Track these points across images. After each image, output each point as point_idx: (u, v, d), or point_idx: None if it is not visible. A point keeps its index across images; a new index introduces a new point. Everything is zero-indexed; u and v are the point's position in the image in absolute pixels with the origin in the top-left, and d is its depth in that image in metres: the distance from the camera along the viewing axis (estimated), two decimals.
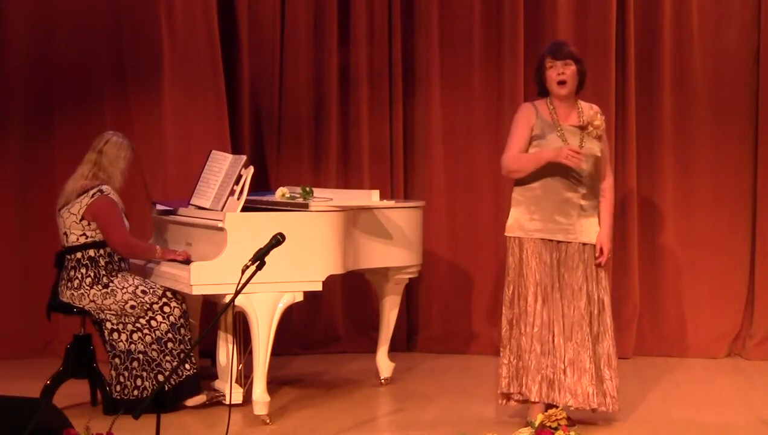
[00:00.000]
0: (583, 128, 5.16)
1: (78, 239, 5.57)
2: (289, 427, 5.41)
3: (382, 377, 6.33)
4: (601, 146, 5.21)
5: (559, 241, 5.13)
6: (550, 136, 5.14)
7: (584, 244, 5.15)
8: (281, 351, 6.62)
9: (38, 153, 7.19)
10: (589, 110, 5.20)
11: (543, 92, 5.24)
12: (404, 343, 7.33)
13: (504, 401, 5.26)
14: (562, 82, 5.14)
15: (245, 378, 5.76)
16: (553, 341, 5.08)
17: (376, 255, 5.87)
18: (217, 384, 5.79)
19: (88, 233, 5.57)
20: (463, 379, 6.48)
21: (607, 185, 5.29)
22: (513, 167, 5.16)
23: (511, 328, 5.18)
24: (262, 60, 7.29)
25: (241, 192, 5.49)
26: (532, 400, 5.12)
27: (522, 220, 5.18)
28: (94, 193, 5.57)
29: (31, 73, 7.22)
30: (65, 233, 5.61)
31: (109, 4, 7.10)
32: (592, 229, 5.17)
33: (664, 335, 7.20)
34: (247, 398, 5.56)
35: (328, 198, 5.76)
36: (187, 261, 5.52)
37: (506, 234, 5.22)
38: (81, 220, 5.56)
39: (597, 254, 5.17)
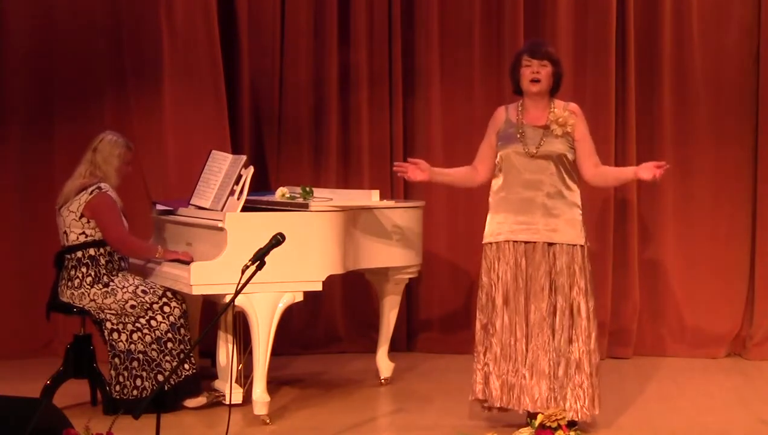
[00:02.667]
0: (547, 127, 5.08)
1: (78, 238, 5.57)
2: (289, 427, 5.41)
3: (382, 377, 6.33)
4: (572, 144, 5.09)
5: (526, 242, 5.08)
6: (511, 137, 5.12)
7: (550, 244, 5.06)
8: (281, 351, 6.61)
9: (38, 153, 7.18)
10: (562, 110, 5.11)
11: (517, 90, 5.20)
12: (404, 343, 7.32)
13: (483, 408, 5.21)
14: (535, 81, 5.08)
15: (245, 378, 5.76)
16: (516, 345, 5.04)
17: (376, 255, 5.87)
18: (217, 384, 5.79)
19: (88, 232, 5.58)
20: (463, 379, 6.43)
21: (600, 168, 5.18)
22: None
23: (485, 332, 5.15)
24: (262, 60, 7.28)
25: (241, 192, 5.49)
26: (496, 405, 5.10)
27: (491, 224, 5.19)
28: (93, 190, 5.58)
29: (31, 73, 7.22)
30: (65, 232, 5.61)
31: (109, 4, 7.10)
32: (561, 229, 5.06)
33: (664, 335, 7.19)
34: (247, 398, 5.56)
35: (328, 198, 5.76)
36: (189, 261, 5.52)
37: (483, 241, 5.23)
38: (80, 218, 5.56)
39: (651, 168, 4.98)
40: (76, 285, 5.55)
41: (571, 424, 4.88)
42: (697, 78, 7.11)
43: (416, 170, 5.21)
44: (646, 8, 7.14)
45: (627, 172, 5.33)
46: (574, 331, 5.02)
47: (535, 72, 5.07)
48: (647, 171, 5.03)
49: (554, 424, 4.67)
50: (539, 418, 4.73)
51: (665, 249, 7.21)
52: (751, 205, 7.13)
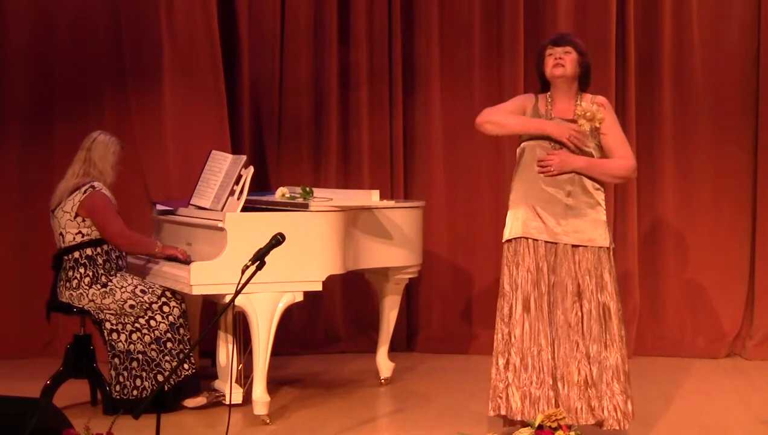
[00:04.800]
0: (574, 122, 4.86)
1: (74, 238, 5.57)
2: (289, 427, 5.41)
3: (382, 377, 6.33)
4: (599, 141, 4.86)
5: (547, 242, 4.83)
6: None
7: (575, 247, 4.82)
8: (281, 351, 6.62)
9: (38, 153, 7.19)
10: (590, 103, 4.90)
11: (544, 84, 4.99)
12: (404, 343, 7.33)
13: (504, 423, 4.99)
14: (557, 65, 4.87)
15: (245, 378, 5.76)
16: (540, 355, 4.79)
17: (376, 255, 5.87)
18: (217, 384, 5.79)
19: (84, 231, 5.57)
20: (463, 379, 6.48)
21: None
22: (490, 117, 4.88)
23: (510, 342, 4.87)
24: (262, 60, 7.29)
25: (241, 192, 5.49)
26: (517, 418, 4.82)
27: (512, 223, 4.92)
28: (86, 190, 5.57)
29: (31, 73, 7.23)
30: (61, 234, 5.61)
31: (109, 4, 7.10)
32: (586, 230, 4.83)
33: (664, 335, 7.20)
34: (247, 398, 5.56)
35: (328, 198, 5.76)
36: (187, 261, 5.52)
37: (503, 241, 4.95)
38: (75, 218, 5.56)
39: (547, 156, 4.78)
40: (74, 286, 5.54)
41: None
42: (697, 78, 7.11)
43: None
44: (646, 8, 7.14)
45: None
46: (608, 336, 4.80)
47: (558, 58, 4.88)
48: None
49: (554, 424, 4.66)
50: (539, 418, 4.71)
51: (665, 249, 7.22)
52: (751, 205, 7.13)
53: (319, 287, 5.48)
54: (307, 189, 5.91)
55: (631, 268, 7.13)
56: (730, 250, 7.14)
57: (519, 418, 4.83)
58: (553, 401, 4.78)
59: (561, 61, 4.89)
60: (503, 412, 4.88)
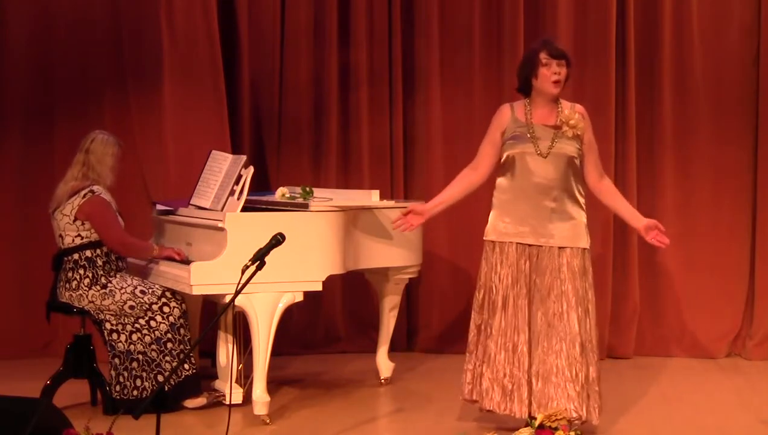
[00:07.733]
0: (557, 128, 4.95)
1: (73, 241, 5.57)
2: (289, 427, 5.41)
3: (382, 377, 6.33)
4: (580, 147, 4.98)
5: (530, 245, 4.97)
6: (520, 136, 4.98)
7: (560, 248, 4.95)
8: (281, 351, 6.62)
9: (38, 153, 7.19)
10: (570, 110, 4.98)
11: (525, 89, 5.04)
12: (404, 343, 7.33)
13: (479, 409, 5.12)
14: (557, 82, 4.94)
15: (245, 378, 5.76)
16: (513, 349, 4.93)
17: (376, 255, 5.87)
18: (217, 384, 5.79)
19: (83, 234, 5.57)
20: None
21: (608, 182, 5.14)
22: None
23: (479, 333, 5.05)
24: (262, 60, 7.29)
25: (241, 192, 5.49)
26: (490, 409, 4.99)
27: (496, 223, 5.06)
28: (86, 194, 5.56)
29: (31, 73, 7.22)
30: (60, 236, 5.61)
31: (109, 4, 7.10)
32: (571, 233, 4.95)
33: (664, 335, 7.20)
34: (247, 398, 5.56)
35: (328, 198, 5.76)
36: (185, 260, 5.52)
37: (484, 238, 5.11)
38: (74, 221, 5.55)
39: (655, 230, 5.02)
40: (73, 287, 5.54)
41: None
42: (697, 78, 7.11)
43: (413, 217, 5.14)
44: (646, 8, 7.14)
45: (633, 221, 5.17)
46: (589, 335, 4.92)
47: (556, 72, 4.92)
48: (651, 236, 5.06)
49: (554, 425, 4.67)
50: (539, 418, 4.72)
51: (665, 249, 7.19)
52: (751, 205, 7.13)
53: (319, 287, 5.48)
54: (307, 189, 5.92)
55: (631, 268, 7.13)
56: (730, 250, 7.14)
57: (488, 408, 5.01)
58: (526, 396, 4.92)
59: (559, 78, 4.96)
60: (474, 397, 5.07)
